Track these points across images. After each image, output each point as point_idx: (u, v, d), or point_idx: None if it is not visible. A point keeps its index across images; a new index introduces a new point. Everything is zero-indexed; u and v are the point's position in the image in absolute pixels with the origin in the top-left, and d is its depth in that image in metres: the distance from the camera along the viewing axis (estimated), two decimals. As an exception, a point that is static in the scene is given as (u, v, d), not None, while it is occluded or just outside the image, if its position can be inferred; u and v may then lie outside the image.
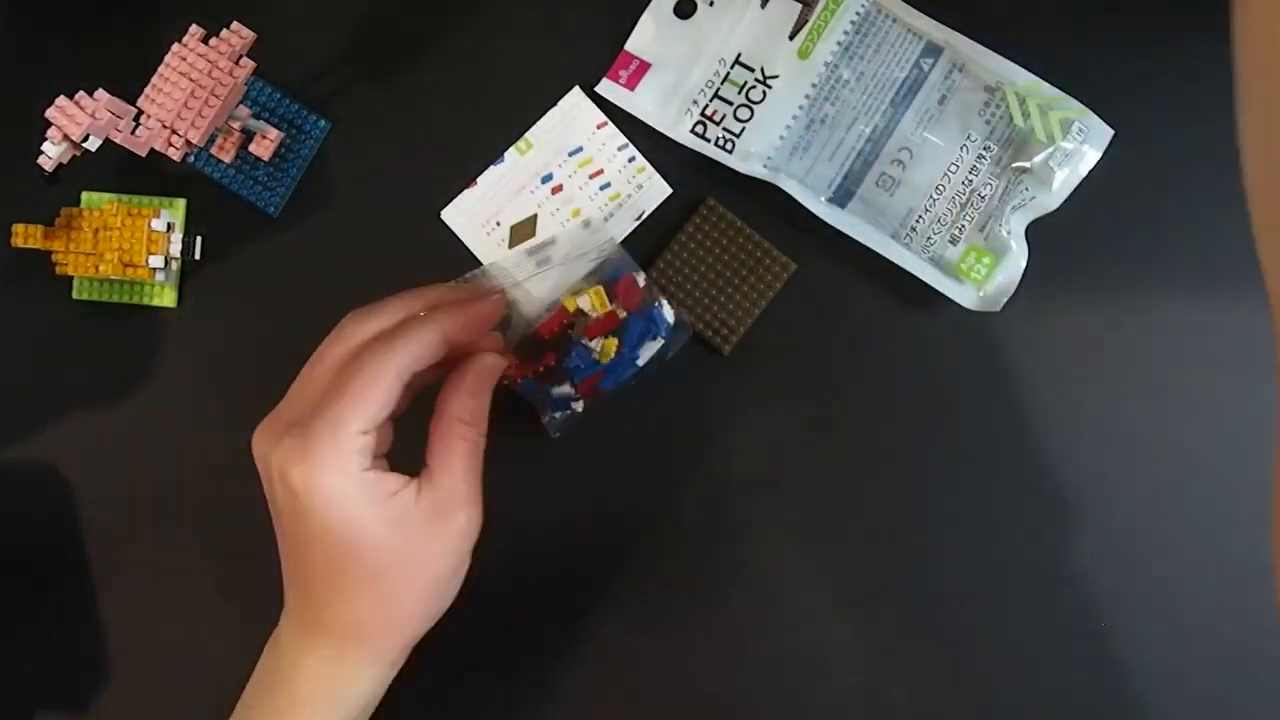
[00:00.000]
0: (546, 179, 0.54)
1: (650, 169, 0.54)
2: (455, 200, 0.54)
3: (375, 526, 0.41)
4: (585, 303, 0.50)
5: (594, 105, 0.54)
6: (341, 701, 0.44)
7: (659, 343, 0.50)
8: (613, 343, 0.49)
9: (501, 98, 0.55)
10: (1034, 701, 0.52)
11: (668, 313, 0.50)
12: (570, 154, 0.54)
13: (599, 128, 0.54)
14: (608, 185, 0.54)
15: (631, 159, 0.54)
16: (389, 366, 0.41)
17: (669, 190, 0.54)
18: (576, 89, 0.54)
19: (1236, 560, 0.52)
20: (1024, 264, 0.52)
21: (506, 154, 0.54)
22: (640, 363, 0.50)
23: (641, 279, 0.50)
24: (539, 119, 0.54)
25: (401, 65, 0.55)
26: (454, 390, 0.45)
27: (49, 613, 0.55)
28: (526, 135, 0.54)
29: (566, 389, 0.50)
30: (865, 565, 0.53)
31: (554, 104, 0.54)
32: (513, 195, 0.54)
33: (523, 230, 0.54)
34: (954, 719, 0.52)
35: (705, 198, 0.53)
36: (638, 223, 0.54)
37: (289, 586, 0.45)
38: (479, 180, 0.54)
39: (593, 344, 0.50)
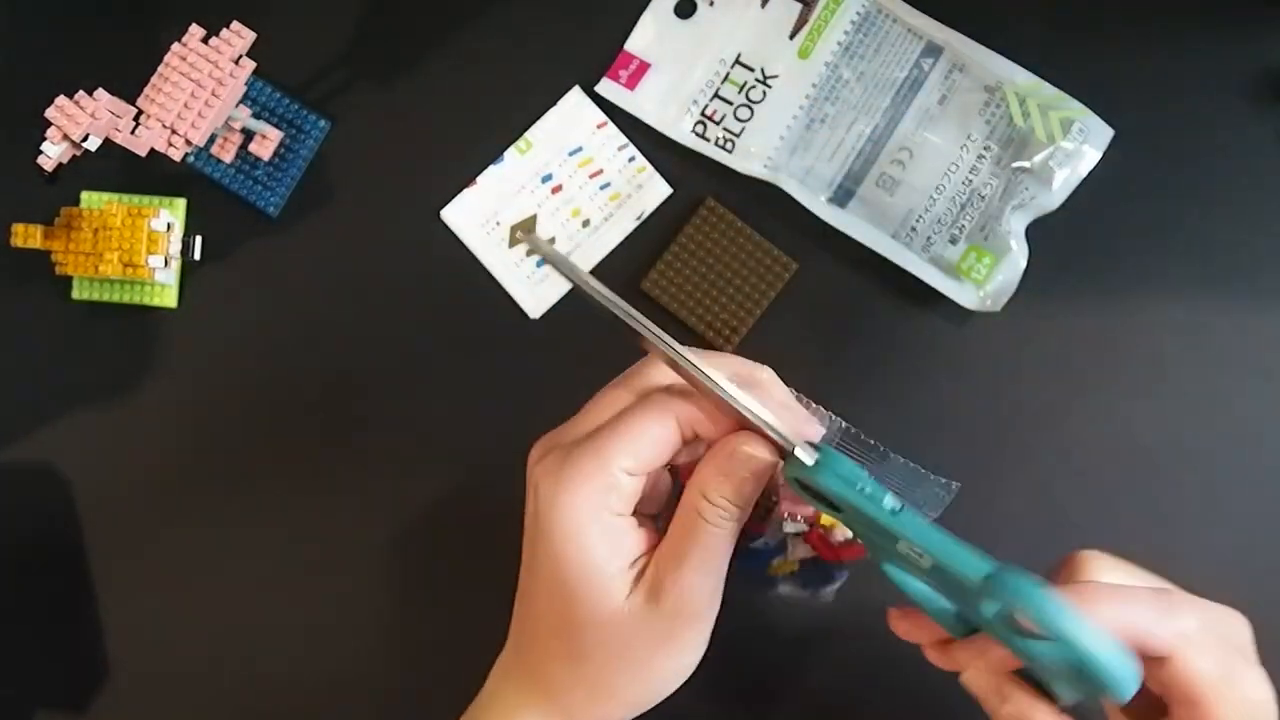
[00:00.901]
0: (546, 179, 0.54)
1: (650, 169, 0.54)
2: (455, 200, 0.54)
3: (597, 573, 0.36)
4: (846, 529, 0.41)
5: (594, 105, 0.54)
6: None
7: (804, 594, 0.44)
8: (792, 568, 0.42)
9: (501, 98, 0.55)
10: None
11: (836, 587, 0.44)
12: (570, 154, 0.54)
13: (599, 128, 0.54)
14: (608, 185, 0.54)
15: (631, 159, 0.54)
16: (675, 409, 0.37)
17: (669, 190, 0.54)
18: (576, 89, 0.54)
19: (1236, 558, 0.52)
20: (1024, 264, 0.52)
21: (506, 154, 0.54)
22: (773, 590, 0.44)
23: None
24: (539, 119, 0.54)
25: (401, 65, 0.55)
26: (704, 465, 0.37)
27: (49, 613, 0.54)
28: (526, 135, 0.54)
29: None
30: (863, 566, 0.53)
31: (554, 104, 0.54)
32: (513, 195, 0.54)
33: (522, 230, 0.54)
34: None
35: (705, 198, 0.53)
36: (638, 223, 0.54)
37: (516, 614, 0.40)
38: (479, 180, 0.54)
39: (792, 551, 0.42)
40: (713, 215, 0.53)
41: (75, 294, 0.55)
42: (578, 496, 0.36)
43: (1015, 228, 0.52)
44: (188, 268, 0.55)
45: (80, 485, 0.55)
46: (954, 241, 0.52)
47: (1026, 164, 0.51)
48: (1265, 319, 0.53)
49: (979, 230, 0.52)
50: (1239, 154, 0.53)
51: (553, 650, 0.38)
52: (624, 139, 0.54)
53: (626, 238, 0.54)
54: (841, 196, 0.53)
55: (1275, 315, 0.53)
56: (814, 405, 0.40)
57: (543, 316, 0.54)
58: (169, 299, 0.55)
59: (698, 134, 0.53)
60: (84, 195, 0.55)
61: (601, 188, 0.54)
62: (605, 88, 0.54)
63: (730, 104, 0.53)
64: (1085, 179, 0.51)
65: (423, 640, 0.53)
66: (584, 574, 0.36)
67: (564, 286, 0.54)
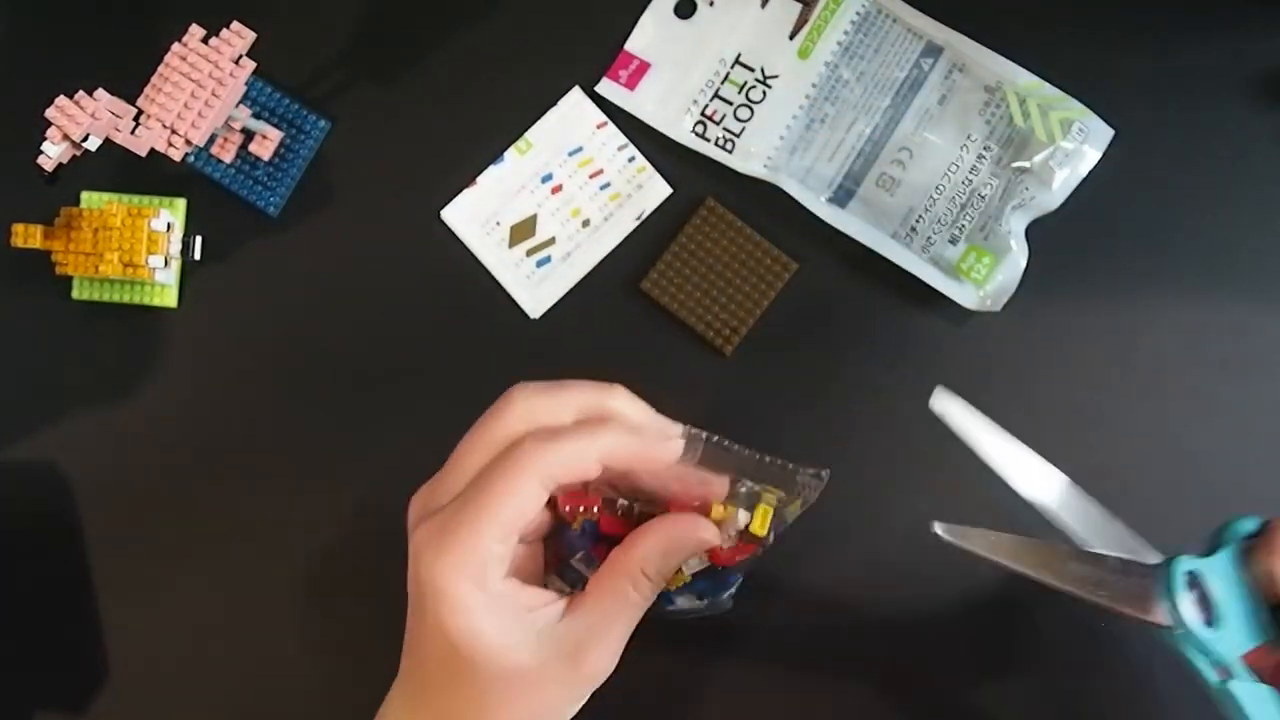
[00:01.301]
0: (546, 179, 0.54)
1: (650, 169, 0.54)
2: (455, 200, 0.54)
3: (493, 642, 0.37)
4: (744, 519, 0.40)
5: (594, 105, 0.54)
6: None
7: (702, 604, 0.43)
8: (685, 578, 0.41)
9: (501, 98, 0.55)
10: (1033, 699, 0.52)
11: (732, 591, 0.43)
12: (570, 154, 0.54)
13: (599, 128, 0.54)
14: (608, 185, 0.54)
15: (631, 159, 0.54)
16: (537, 470, 0.37)
17: (669, 190, 0.54)
18: (576, 89, 0.54)
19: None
20: (1024, 264, 0.52)
21: (506, 154, 0.54)
22: (670, 607, 0.43)
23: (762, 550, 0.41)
24: (539, 119, 0.54)
25: (401, 65, 0.55)
26: (645, 540, 0.39)
27: (49, 613, 0.55)
28: (526, 135, 0.54)
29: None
30: (865, 566, 0.53)
31: (554, 104, 0.54)
32: (513, 195, 0.54)
33: (523, 230, 0.54)
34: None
35: (705, 198, 0.53)
36: (638, 223, 0.54)
37: (405, 653, 0.41)
38: (479, 180, 0.54)
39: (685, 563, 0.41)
40: (713, 215, 0.53)
41: (75, 294, 0.55)
42: (458, 575, 0.37)
43: (1015, 228, 0.52)
44: (188, 268, 0.55)
45: (80, 485, 0.55)
46: (954, 241, 0.52)
47: (1026, 164, 0.51)
48: (1265, 319, 0.53)
49: (979, 230, 0.52)
50: (1239, 154, 0.53)
51: (456, 700, 0.39)
52: (624, 139, 0.54)
53: (626, 238, 0.54)
54: (841, 196, 0.53)
55: (1275, 315, 0.53)
56: (669, 420, 0.41)
57: (543, 316, 0.54)
58: (169, 299, 0.55)
59: (698, 134, 0.53)
60: (84, 195, 0.55)
61: (601, 188, 0.54)
62: (605, 88, 0.54)
63: (730, 104, 0.53)
64: (1085, 179, 0.51)
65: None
66: (477, 645, 0.37)
67: (564, 286, 0.54)
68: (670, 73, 0.54)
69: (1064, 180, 0.51)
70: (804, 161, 0.53)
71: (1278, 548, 0.39)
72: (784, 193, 0.52)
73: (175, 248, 0.54)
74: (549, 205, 0.54)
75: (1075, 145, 0.51)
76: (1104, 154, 0.52)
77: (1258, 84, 0.53)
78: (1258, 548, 0.40)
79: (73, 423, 0.55)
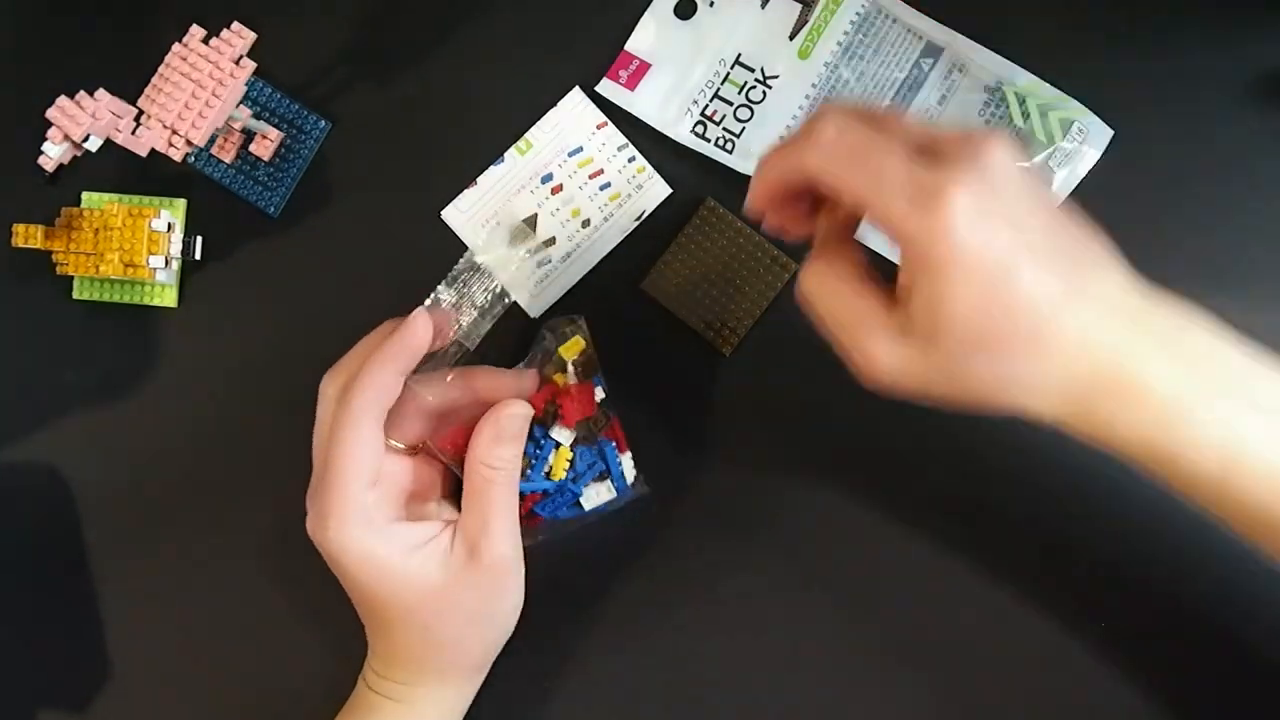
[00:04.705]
0: (546, 179, 0.54)
1: (650, 169, 0.54)
2: (455, 200, 0.54)
3: (404, 574, 0.44)
4: (565, 368, 0.48)
5: (594, 105, 0.54)
6: (415, 712, 0.47)
7: (610, 494, 0.48)
8: (566, 457, 0.47)
9: (501, 98, 0.55)
10: (1030, 702, 0.52)
11: (628, 469, 0.48)
12: (570, 154, 0.54)
13: (599, 128, 0.54)
14: (608, 185, 0.54)
15: (631, 159, 0.54)
16: (355, 420, 0.43)
17: (669, 190, 0.54)
18: (576, 89, 0.54)
19: (1236, 559, 0.52)
20: (1024, 264, 0.52)
21: (506, 154, 0.54)
22: (586, 506, 0.48)
23: (601, 393, 0.48)
24: (539, 119, 0.54)
25: (402, 65, 0.55)
26: (478, 437, 0.45)
27: (49, 613, 0.55)
28: (526, 135, 0.54)
29: None
30: (866, 564, 0.53)
31: (554, 104, 0.54)
32: (513, 195, 0.54)
33: (523, 230, 0.54)
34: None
35: (705, 198, 0.53)
36: (637, 223, 0.54)
37: (373, 638, 0.48)
38: (479, 180, 0.54)
39: (557, 436, 0.47)
40: (712, 215, 0.53)
41: (76, 294, 0.55)
42: (345, 529, 0.43)
43: (1015, 228, 0.52)
44: (188, 268, 0.55)
45: (80, 485, 0.55)
46: (954, 241, 0.52)
47: (1026, 164, 0.51)
48: (1264, 319, 0.52)
49: (979, 230, 0.52)
50: (1239, 154, 0.53)
51: (402, 638, 0.45)
52: (624, 139, 0.54)
53: (626, 238, 0.54)
54: (841, 196, 0.53)
55: (1274, 316, 0.53)
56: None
57: (542, 316, 0.54)
58: (169, 299, 0.55)
59: (697, 134, 0.53)
60: (85, 195, 0.55)
61: (601, 188, 0.54)
62: (605, 88, 0.54)
63: (730, 104, 0.53)
64: (1085, 179, 0.51)
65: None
66: (387, 577, 0.43)
67: (564, 286, 0.54)
68: (670, 73, 0.54)
69: (1064, 180, 0.51)
70: (804, 161, 0.53)
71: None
72: (784, 193, 0.52)
73: (175, 248, 0.54)
74: (549, 205, 0.54)
75: (1075, 145, 0.51)
76: (1104, 154, 0.52)
77: (1258, 84, 0.53)
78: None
79: (73, 423, 0.55)
